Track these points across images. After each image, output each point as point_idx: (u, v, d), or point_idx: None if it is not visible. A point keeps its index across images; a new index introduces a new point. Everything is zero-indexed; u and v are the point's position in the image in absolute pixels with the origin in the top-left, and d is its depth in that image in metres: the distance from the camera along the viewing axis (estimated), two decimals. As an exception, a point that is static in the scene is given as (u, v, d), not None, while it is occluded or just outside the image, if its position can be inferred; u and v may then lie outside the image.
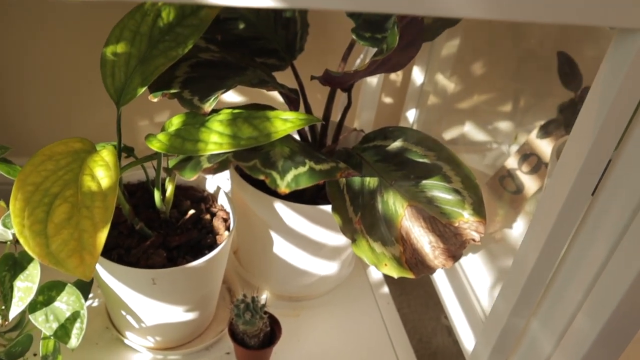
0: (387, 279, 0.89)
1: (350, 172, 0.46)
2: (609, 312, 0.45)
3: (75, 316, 0.57)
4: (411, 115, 0.95)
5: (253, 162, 0.43)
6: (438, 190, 0.63)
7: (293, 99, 0.64)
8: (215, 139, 0.47)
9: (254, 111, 0.50)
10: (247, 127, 0.47)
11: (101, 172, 0.49)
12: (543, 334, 0.51)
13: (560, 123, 0.79)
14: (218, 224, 0.68)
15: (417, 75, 0.91)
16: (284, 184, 0.41)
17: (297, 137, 0.76)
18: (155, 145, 0.50)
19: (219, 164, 0.44)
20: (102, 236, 0.45)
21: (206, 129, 0.49)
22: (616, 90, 0.36)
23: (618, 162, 0.45)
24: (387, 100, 1.02)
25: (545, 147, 0.80)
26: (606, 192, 0.46)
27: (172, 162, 0.50)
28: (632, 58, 0.35)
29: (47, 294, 0.57)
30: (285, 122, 0.46)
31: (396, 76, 1.00)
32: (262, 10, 0.76)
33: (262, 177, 0.42)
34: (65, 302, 0.57)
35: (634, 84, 0.36)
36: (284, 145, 0.47)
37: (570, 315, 0.48)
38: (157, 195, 0.63)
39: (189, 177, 0.45)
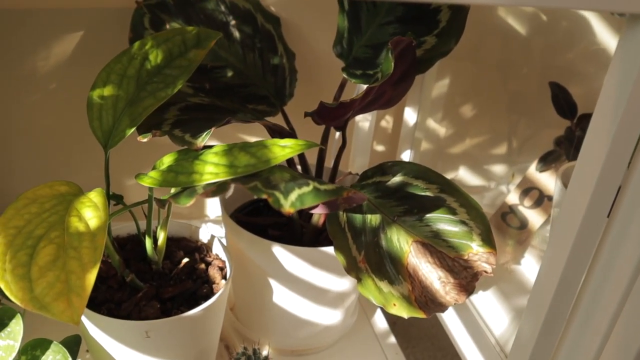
0: (393, 328, 0.84)
1: (357, 194, 0.43)
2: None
3: (61, 377, 0.52)
4: (405, 157, 0.93)
5: (254, 184, 0.40)
6: (443, 223, 0.60)
7: (288, 135, 0.62)
8: (211, 169, 0.45)
9: (250, 142, 0.48)
10: (244, 155, 0.45)
11: (89, 212, 0.46)
12: (573, 363, 0.47)
13: (559, 154, 0.78)
14: (214, 272, 0.65)
15: (410, 116, 0.90)
16: (288, 204, 0.38)
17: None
18: (146, 182, 0.47)
19: (217, 187, 0.41)
20: (91, 277, 0.41)
21: (200, 162, 0.47)
22: (631, 85, 0.35)
23: (633, 175, 0.43)
24: (380, 147, 1.01)
25: (545, 179, 0.78)
26: (623, 211, 0.44)
27: (166, 196, 0.47)
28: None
29: (30, 353, 0.52)
30: (284, 148, 0.44)
31: (387, 122, 0.99)
32: (249, 57, 0.76)
33: (264, 196, 0.39)
34: (51, 362, 0.52)
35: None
36: (284, 172, 0.44)
37: (596, 350, 0.44)
38: (148, 243, 0.59)
39: (185, 203, 0.42)
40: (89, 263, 0.41)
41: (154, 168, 0.53)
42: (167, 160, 0.52)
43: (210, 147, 0.51)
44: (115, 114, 0.57)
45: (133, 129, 0.55)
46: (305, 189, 0.41)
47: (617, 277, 0.43)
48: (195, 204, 0.97)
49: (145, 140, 0.54)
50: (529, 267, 0.79)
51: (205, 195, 0.41)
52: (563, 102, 0.75)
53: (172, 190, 0.50)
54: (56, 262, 0.41)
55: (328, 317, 0.74)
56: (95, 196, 0.48)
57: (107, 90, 0.58)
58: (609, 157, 0.39)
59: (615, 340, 0.44)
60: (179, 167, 0.47)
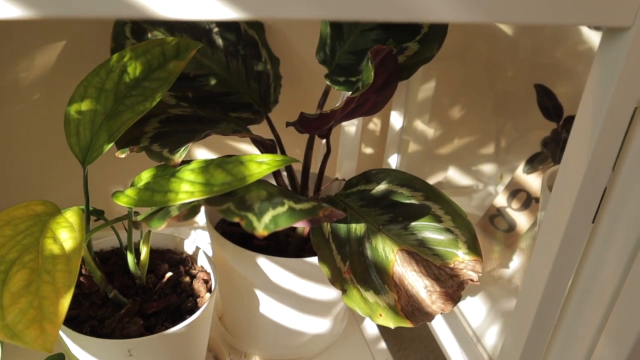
0: (384, 333, 0.84)
1: (334, 212, 0.43)
2: (629, 346, 0.41)
3: (43, 399, 0.51)
4: (393, 161, 0.93)
5: (226, 206, 0.40)
6: (429, 232, 0.60)
7: (269, 147, 0.61)
8: (187, 187, 0.44)
9: (226, 157, 0.47)
10: (220, 172, 0.44)
11: (64, 234, 0.45)
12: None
13: (546, 156, 0.77)
14: (198, 286, 0.64)
15: (396, 120, 0.89)
16: (262, 226, 0.38)
17: (277, 189, 0.73)
18: (122, 201, 0.47)
19: (189, 210, 0.40)
20: (65, 302, 0.40)
21: (176, 179, 0.46)
22: (610, 96, 0.34)
23: (617, 180, 0.42)
24: (368, 150, 1.00)
25: (533, 181, 0.77)
26: (608, 216, 0.43)
27: (141, 217, 0.46)
28: (624, 60, 0.33)
29: (11, 376, 0.52)
30: (261, 165, 0.43)
31: (374, 125, 0.99)
32: (233, 65, 0.75)
33: (236, 220, 0.38)
34: (32, 384, 0.52)
35: (629, 87, 0.34)
36: (261, 189, 0.43)
37: (585, 353, 0.44)
38: (130, 258, 0.59)
39: (157, 227, 0.41)
40: (63, 287, 0.41)
41: (132, 184, 0.52)
42: (145, 176, 0.51)
43: (188, 162, 0.50)
44: (93, 129, 0.56)
45: (111, 145, 0.54)
46: (280, 210, 0.40)
47: (603, 282, 0.43)
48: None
49: (123, 156, 0.53)
50: (516, 270, 0.78)
51: (177, 219, 0.40)
52: (549, 104, 0.75)
53: (153, 208, 0.50)
54: (29, 287, 0.40)
55: (316, 325, 0.73)
56: (71, 216, 0.47)
57: (85, 105, 0.57)
58: (592, 162, 0.39)
59: (603, 344, 0.44)
60: (156, 185, 0.47)
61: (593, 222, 0.43)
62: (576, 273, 0.44)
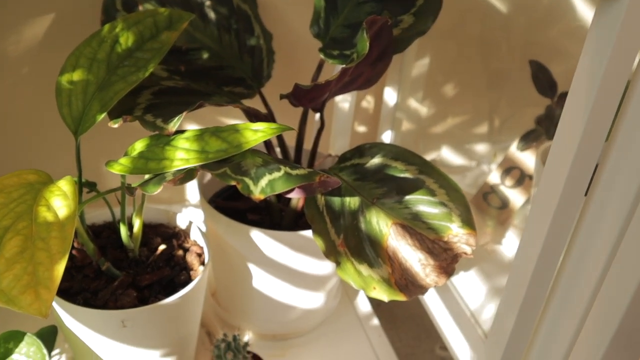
0: (377, 310, 0.84)
1: (330, 179, 0.43)
2: (619, 317, 0.42)
3: (36, 369, 0.51)
4: (386, 138, 0.93)
5: (223, 170, 0.39)
6: (423, 205, 0.60)
7: (263, 119, 0.61)
8: (182, 155, 0.43)
9: (222, 126, 0.47)
10: (215, 140, 0.44)
11: (58, 201, 0.45)
12: (550, 347, 0.47)
13: (540, 133, 0.77)
14: (192, 259, 0.64)
15: (390, 96, 0.89)
16: (258, 190, 0.37)
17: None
18: (116, 169, 0.46)
19: (185, 174, 0.40)
20: (60, 268, 0.40)
21: (171, 147, 0.46)
22: (603, 69, 0.34)
23: (610, 152, 0.42)
24: (361, 128, 1.00)
25: (526, 158, 0.77)
26: (600, 189, 0.43)
27: (137, 183, 0.46)
28: (617, 31, 0.33)
29: (3, 346, 0.51)
30: (256, 132, 0.43)
31: (367, 103, 0.98)
32: (225, 39, 0.74)
33: (232, 183, 0.38)
34: (25, 354, 0.52)
35: (622, 60, 0.34)
36: (256, 157, 0.43)
37: (577, 325, 0.44)
38: (123, 230, 0.58)
39: (152, 191, 0.41)
40: (58, 254, 0.40)
41: (125, 154, 0.51)
42: (138, 146, 0.51)
43: (182, 132, 0.49)
44: (85, 100, 0.55)
45: (104, 115, 0.54)
46: (276, 174, 0.40)
47: (595, 256, 0.43)
48: (175, 188, 0.95)
49: (116, 126, 0.52)
50: (509, 247, 0.79)
51: (173, 182, 0.40)
52: (543, 80, 0.75)
53: (147, 177, 0.49)
54: (23, 254, 0.40)
55: (310, 300, 0.73)
56: (64, 184, 0.47)
57: (77, 75, 0.56)
58: (586, 134, 0.39)
59: (594, 318, 0.44)
60: (150, 154, 0.46)
61: (586, 194, 0.43)
62: (568, 246, 0.45)
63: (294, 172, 0.41)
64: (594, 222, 0.44)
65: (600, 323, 0.41)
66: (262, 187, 0.38)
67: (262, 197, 0.37)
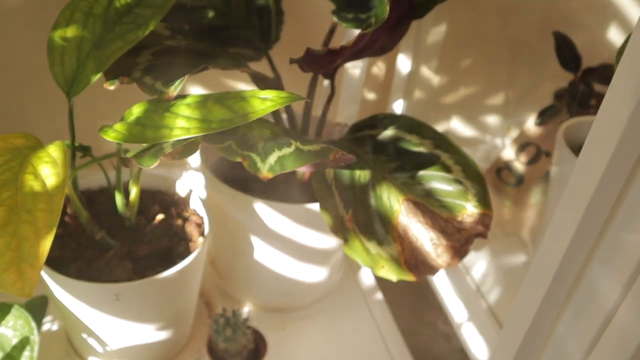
0: (380, 284, 0.82)
1: (345, 155, 0.39)
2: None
3: (24, 343, 0.48)
4: (398, 107, 0.88)
5: (227, 144, 0.36)
6: (437, 182, 0.56)
7: (271, 85, 0.57)
8: (182, 123, 0.40)
9: (226, 92, 0.43)
10: (219, 108, 0.40)
11: (47, 169, 0.42)
12: (573, 338, 0.44)
13: (559, 109, 0.73)
14: (191, 229, 0.61)
15: (403, 63, 0.84)
16: (266, 167, 0.34)
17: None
18: (110, 136, 0.43)
19: (185, 147, 0.37)
20: (46, 244, 0.37)
21: (171, 114, 0.42)
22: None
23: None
24: (370, 95, 0.96)
25: (543, 135, 0.74)
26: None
27: (132, 153, 0.42)
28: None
29: (-10, 318, 0.49)
30: (264, 101, 0.39)
31: (379, 69, 0.94)
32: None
33: (238, 160, 0.34)
34: (12, 327, 0.49)
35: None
36: (264, 128, 0.40)
37: (606, 315, 0.41)
38: (118, 198, 0.55)
39: (148, 165, 0.37)
40: (44, 228, 0.37)
41: (122, 119, 0.48)
42: (136, 110, 0.47)
43: (184, 97, 0.46)
44: (79, 58, 0.51)
45: (99, 75, 0.50)
46: (287, 150, 0.36)
47: (629, 248, 0.40)
48: (175, 152, 0.92)
49: (112, 87, 0.49)
50: (524, 225, 0.76)
51: (172, 156, 0.36)
52: (567, 53, 0.70)
53: (145, 145, 0.46)
54: (7, 227, 0.37)
55: (312, 274, 0.71)
56: (54, 150, 0.43)
57: (71, 31, 0.52)
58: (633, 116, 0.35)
59: (625, 313, 0.41)
60: (147, 120, 0.42)
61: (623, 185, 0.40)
62: (599, 235, 0.41)
63: (306, 147, 0.37)
64: (630, 209, 0.40)
65: (633, 320, 0.38)
66: (271, 164, 0.34)
67: (270, 175, 0.34)
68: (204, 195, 0.67)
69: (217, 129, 0.38)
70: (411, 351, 0.73)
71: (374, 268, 0.55)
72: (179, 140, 0.39)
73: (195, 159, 0.93)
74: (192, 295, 0.62)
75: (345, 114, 0.87)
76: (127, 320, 0.55)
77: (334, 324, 0.75)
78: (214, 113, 0.40)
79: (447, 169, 0.57)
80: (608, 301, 0.40)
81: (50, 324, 0.67)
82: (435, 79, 0.87)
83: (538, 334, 0.45)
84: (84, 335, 0.58)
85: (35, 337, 0.48)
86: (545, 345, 0.47)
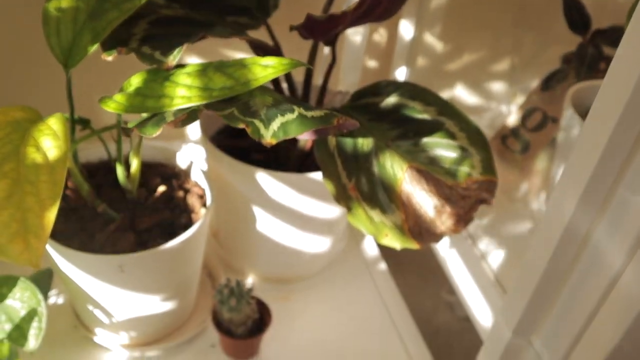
0: (384, 253, 0.82)
1: (349, 121, 0.38)
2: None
3: (31, 314, 0.49)
4: (400, 75, 0.87)
5: (229, 111, 0.35)
6: (441, 149, 0.56)
7: (271, 53, 0.56)
8: (183, 92, 0.39)
9: (227, 60, 0.42)
10: (220, 76, 0.39)
11: (48, 142, 0.41)
12: (577, 302, 0.44)
13: (566, 73, 0.72)
14: (193, 201, 0.60)
15: (406, 29, 0.83)
16: (270, 134, 0.33)
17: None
18: (110, 107, 0.42)
19: (188, 115, 0.36)
20: (51, 215, 0.37)
21: (171, 83, 0.41)
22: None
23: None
24: (372, 63, 0.95)
25: (550, 100, 0.73)
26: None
27: (133, 123, 0.42)
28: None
29: (-4, 291, 0.49)
30: (266, 68, 0.39)
31: (380, 36, 0.92)
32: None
33: (241, 126, 0.34)
34: (19, 299, 0.49)
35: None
36: (266, 95, 0.39)
37: (611, 279, 0.41)
38: (119, 170, 0.55)
39: (151, 134, 0.37)
40: (48, 199, 0.37)
41: (121, 90, 0.47)
42: (135, 81, 0.46)
43: (183, 66, 0.45)
44: (75, 29, 0.50)
45: (96, 46, 0.49)
46: (290, 116, 0.35)
47: (634, 215, 0.39)
48: (175, 124, 0.91)
49: (109, 58, 0.48)
50: (529, 192, 0.75)
51: (174, 124, 0.36)
52: (576, 15, 0.69)
53: (144, 115, 0.45)
54: (11, 199, 0.37)
55: (315, 244, 0.71)
56: (54, 123, 0.43)
57: (65, 1, 0.51)
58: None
59: (628, 280, 0.41)
60: (148, 90, 0.42)
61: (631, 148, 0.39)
62: (605, 199, 0.41)
63: (309, 113, 0.37)
64: (637, 172, 0.40)
65: (632, 289, 0.38)
66: (274, 130, 0.34)
67: (274, 141, 0.33)
68: (205, 167, 0.66)
69: (219, 97, 0.37)
70: (415, 320, 0.74)
71: (377, 236, 0.55)
72: (180, 109, 0.38)
73: (195, 132, 0.93)
74: (195, 267, 0.62)
75: (347, 82, 0.86)
76: (132, 291, 0.55)
77: (337, 293, 0.75)
78: (214, 81, 0.39)
79: (451, 135, 0.56)
80: (613, 265, 0.40)
81: (55, 297, 0.68)
82: (438, 45, 0.86)
83: (543, 298, 0.45)
84: (90, 307, 0.58)
85: (42, 309, 0.48)
86: (549, 309, 0.47)
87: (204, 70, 0.41)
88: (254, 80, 0.37)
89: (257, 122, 0.34)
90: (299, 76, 0.69)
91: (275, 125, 0.35)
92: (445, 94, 0.92)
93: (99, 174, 0.62)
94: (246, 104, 0.37)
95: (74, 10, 0.51)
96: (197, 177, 0.64)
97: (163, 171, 0.64)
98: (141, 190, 0.60)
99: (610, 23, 0.70)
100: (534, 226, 0.73)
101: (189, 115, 0.36)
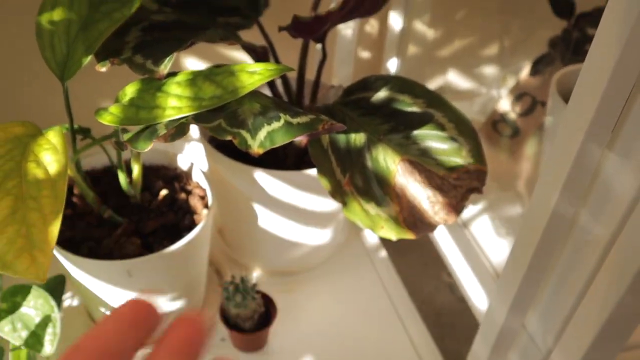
0: (384, 241, 0.83)
1: (334, 125, 0.40)
2: None
3: (46, 321, 0.51)
4: (392, 66, 0.88)
5: (217, 122, 0.37)
6: (432, 140, 0.57)
7: (261, 55, 0.57)
8: (174, 102, 0.41)
9: (215, 68, 0.43)
10: (209, 85, 0.41)
11: (48, 156, 0.43)
12: (564, 289, 0.45)
13: (554, 58, 0.73)
14: (195, 202, 0.62)
15: (395, 20, 0.84)
16: (257, 144, 0.35)
17: (271, 99, 0.69)
18: (106, 119, 0.44)
19: (176, 129, 0.38)
20: (54, 230, 0.38)
21: (162, 94, 0.43)
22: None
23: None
24: (365, 54, 0.96)
25: (539, 85, 0.74)
26: (629, 123, 0.40)
27: (127, 136, 0.43)
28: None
29: (10, 300, 0.51)
30: (253, 75, 0.40)
31: (371, 28, 0.93)
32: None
33: (229, 138, 0.35)
34: (34, 307, 0.51)
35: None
36: (254, 102, 0.40)
37: (592, 269, 0.42)
38: (121, 177, 0.56)
39: (143, 149, 0.38)
40: (51, 214, 0.39)
41: (116, 100, 0.49)
42: (129, 90, 0.48)
43: (174, 74, 0.46)
44: (68, 41, 0.51)
45: (90, 57, 0.50)
46: (276, 125, 0.37)
47: (619, 196, 0.41)
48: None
49: (103, 69, 0.49)
50: (521, 176, 0.77)
51: (164, 139, 0.37)
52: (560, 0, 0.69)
53: (137, 129, 0.47)
54: (15, 215, 0.38)
55: (317, 237, 0.72)
56: (53, 136, 0.45)
57: (57, 14, 0.52)
58: (621, 59, 0.35)
59: (613, 262, 0.42)
60: (140, 101, 0.43)
61: (612, 131, 0.40)
62: (591, 182, 0.42)
63: (295, 120, 0.38)
64: (619, 159, 0.41)
65: (620, 268, 0.40)
66: (261, 140, 0.35)
67: (261, 151, 0.35)
68: (205, 167, 0.68)
69: (209, 107, 0.39)
70: (417, 302, 0.75)
71: (373, 228, 0.56)
72: (171, 121, 0.40)
73: (195, 130, 0.94)
74: (201, 266, 0.64)
75: (341, 75, 0.87)
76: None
77: (340, 283, 0.77)
78: (204, 90, 0.40)
79: (441, 127, 0.57)
80: (600, 243, 0.42)
81: (70, 300, 0.70)
82: (429, 33, 0.86)
83: (533, 279, 0.47)
84: (102, 309, 0.61)
85: (56, 315, 0.50)
86: (541, 290, 0.48)
87: (193, 80, 0.42)
88: (241, 88, 0.39)
89: (244, 133, 0.36)
90: (293, 72, 0.70)
91: (262, 134, 0.36)
92: (437, 81, 0.93)
93: (104, 180, 0.64)
94: (234, 112, 0.39)
95: (67, 22, 0.52)
96: (198, 177, 0.65)
97: (165, 174, 0.66)
98: (145, 195, 0.62)
99: (595, 5, 0.70)
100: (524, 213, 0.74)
101: (178, 130, 0.38)
